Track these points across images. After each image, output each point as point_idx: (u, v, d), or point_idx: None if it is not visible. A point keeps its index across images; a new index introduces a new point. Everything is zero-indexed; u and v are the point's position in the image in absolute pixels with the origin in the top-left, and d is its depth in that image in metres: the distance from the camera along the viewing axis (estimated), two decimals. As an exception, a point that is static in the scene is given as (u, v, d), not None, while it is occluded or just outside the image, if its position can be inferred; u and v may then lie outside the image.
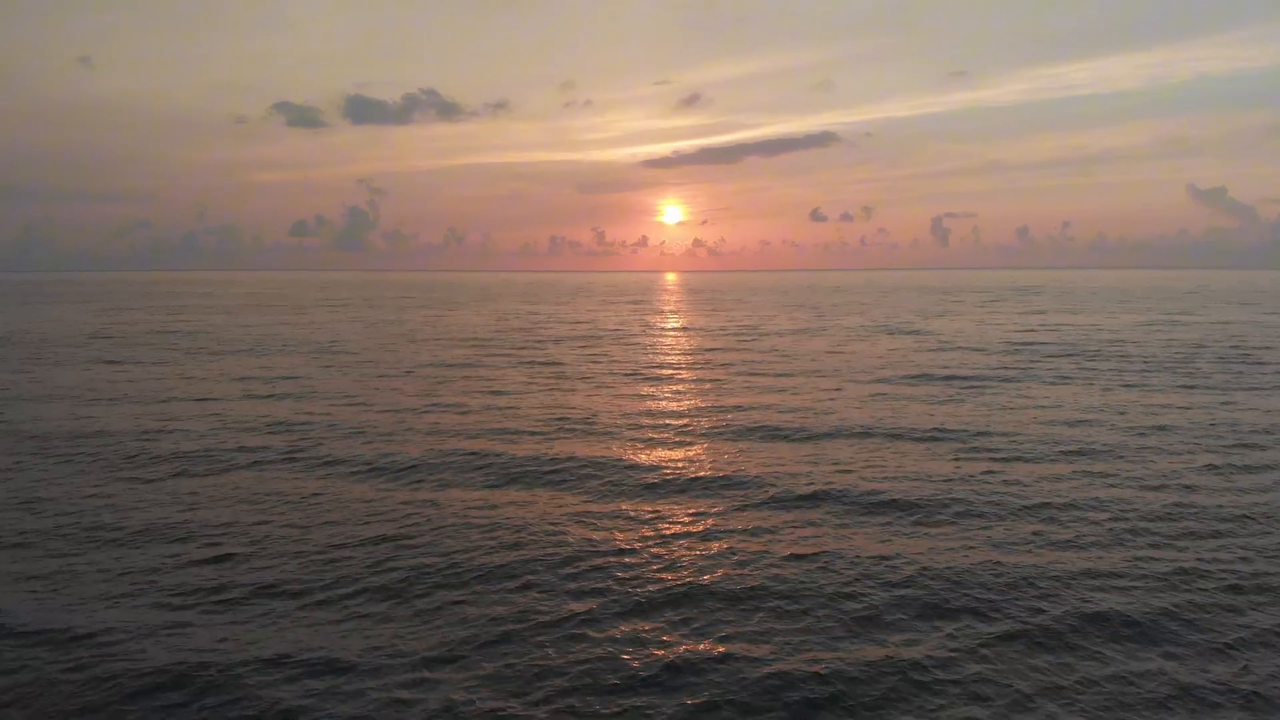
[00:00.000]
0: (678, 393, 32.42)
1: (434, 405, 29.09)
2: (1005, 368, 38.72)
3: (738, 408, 28.46)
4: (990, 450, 21.98)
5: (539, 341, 55.08)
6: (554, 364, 41.74)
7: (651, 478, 19.47)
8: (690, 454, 21.90)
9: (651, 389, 33.45)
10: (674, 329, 68.18)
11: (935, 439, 23.29)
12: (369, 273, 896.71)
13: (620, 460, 21.12)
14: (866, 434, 23.91)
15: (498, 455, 21.50)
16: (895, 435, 23.74)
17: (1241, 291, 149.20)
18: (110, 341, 54.68)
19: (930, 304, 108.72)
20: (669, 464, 20.76)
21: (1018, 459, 21.13)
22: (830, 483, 18.75)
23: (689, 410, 28.28)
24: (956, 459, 21.10)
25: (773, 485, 18.62)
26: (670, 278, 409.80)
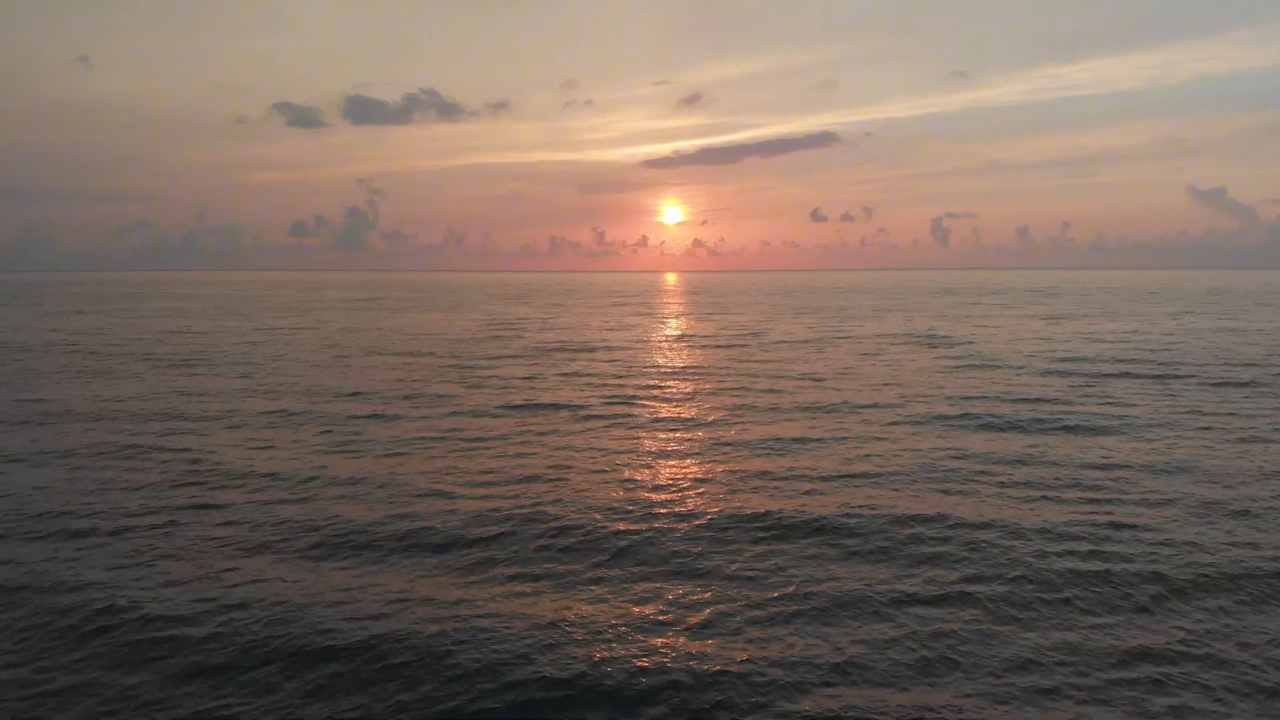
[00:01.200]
0: (669, 448, 24.67)
1: (320, 477, 21.40)
2: (1078, 398, 30.92)
3: (755, 477, 20.69)
4: (1148, 575, 14.29)
5: (512, 357, 47.39)
6: (520, 390, 33.96)
7: (635, 616, 11.84)
8: (689, 580, 14.23)
9: (634, 439, 25.72)
10: (671, 339, 60.37)
11: (1049, 538, 15.61)
12: (369, 273, 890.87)
13: (583, 592, 13.48)
14: (945, 531, 16.19)
15: (390, 580, 13.87)
16: (989, 538, 16.06)
17: (1259, 292, 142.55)
18: None
19: (945, 306, 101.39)
20: (659, 592, 13.11)
21: (1192, 589, 13.53)
22: (914, 653, 11.14)
23: (684, 481, 20.56)
24: (1103, 583, 13.46)
25: (816, 663, 11.00)
26: (670, 278, 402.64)
